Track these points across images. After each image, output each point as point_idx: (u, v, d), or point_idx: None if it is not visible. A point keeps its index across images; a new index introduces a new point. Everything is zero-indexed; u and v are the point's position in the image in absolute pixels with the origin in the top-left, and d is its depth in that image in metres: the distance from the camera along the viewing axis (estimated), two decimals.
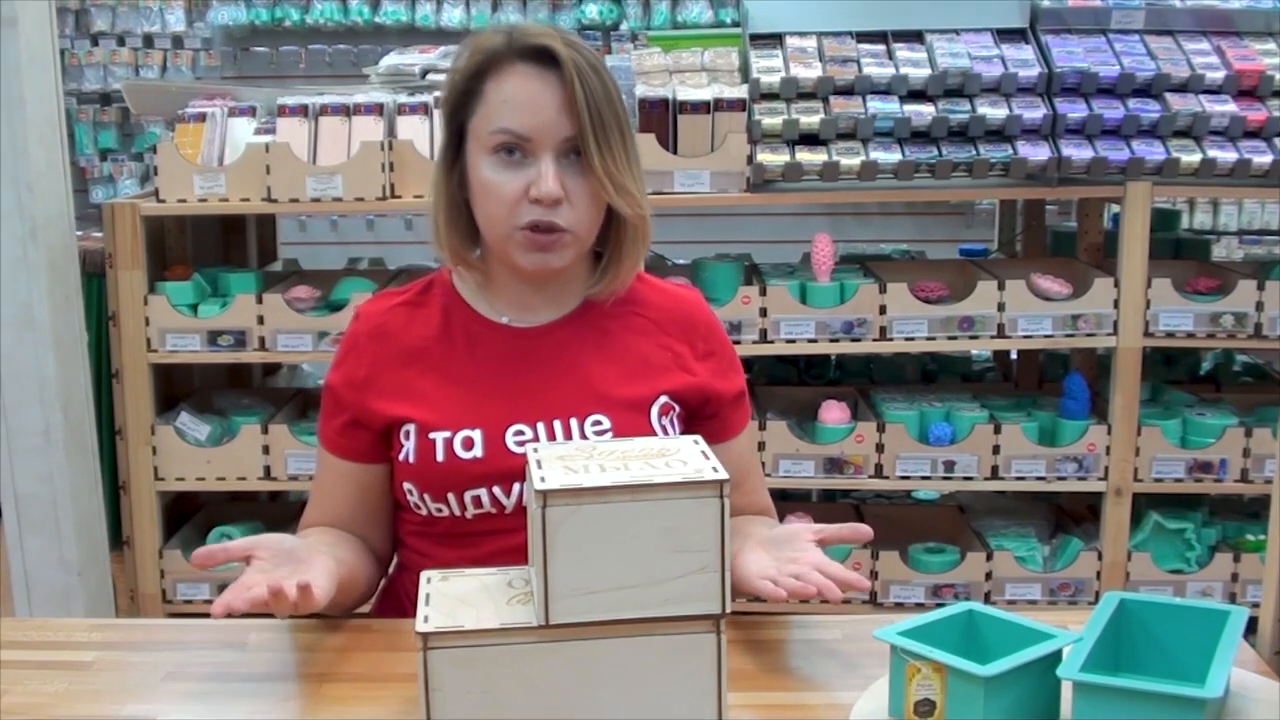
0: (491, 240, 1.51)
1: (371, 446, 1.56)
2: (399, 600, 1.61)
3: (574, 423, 1.51)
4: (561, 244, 1.48)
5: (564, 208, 1.46)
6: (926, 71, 2.79)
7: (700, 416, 1.60)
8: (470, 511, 1.50)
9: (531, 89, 1.45)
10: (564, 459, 1.21)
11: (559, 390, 1.53)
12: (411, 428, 1.52)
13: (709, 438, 1.59)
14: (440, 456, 1.49)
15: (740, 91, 2.80)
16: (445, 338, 1.56)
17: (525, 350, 1.55)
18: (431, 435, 1.50)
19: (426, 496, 1.51)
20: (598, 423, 1.51)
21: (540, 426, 1.51)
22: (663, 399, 1.55)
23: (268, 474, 2.84)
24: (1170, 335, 2.76)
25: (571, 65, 1.44)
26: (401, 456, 1.53)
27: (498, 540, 1.48)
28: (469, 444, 1.49)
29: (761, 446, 2.78)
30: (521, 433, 1.50)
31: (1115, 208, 2.87)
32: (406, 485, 1.53)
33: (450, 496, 1.49)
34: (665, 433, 1.54)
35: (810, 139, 2.75)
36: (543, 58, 1.46)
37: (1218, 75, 2.77)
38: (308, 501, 1.63)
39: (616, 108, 1.48)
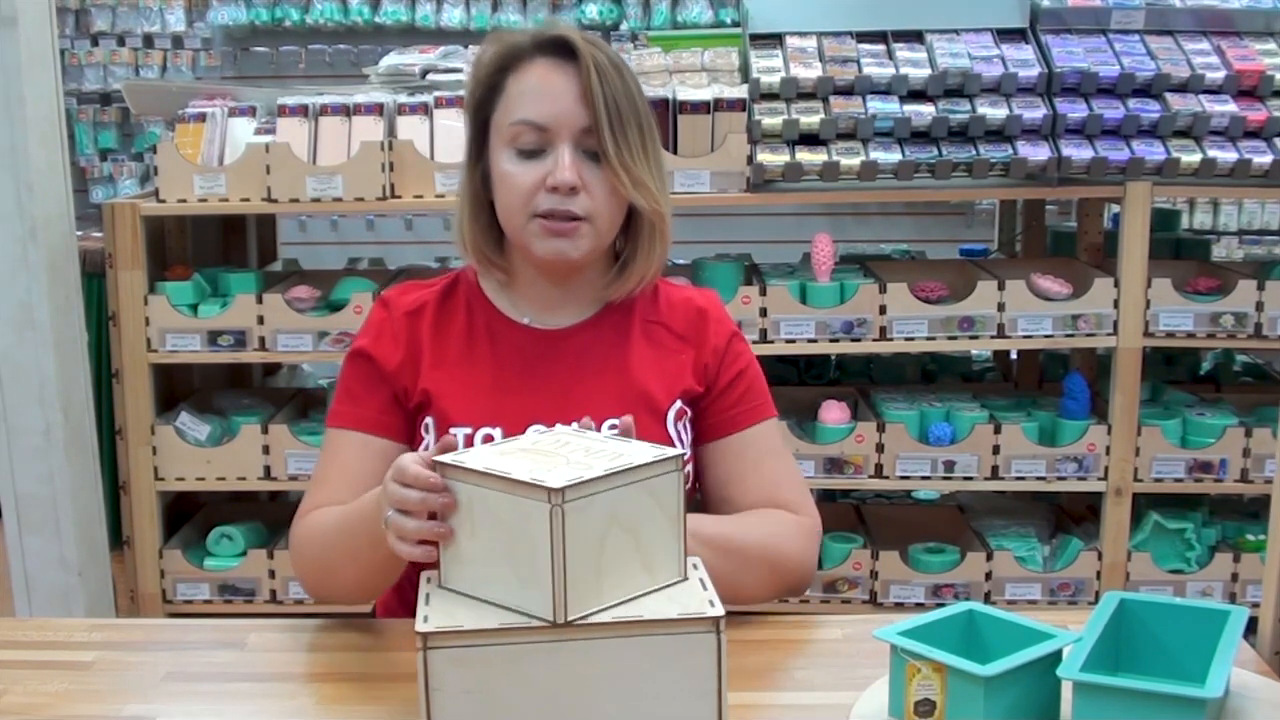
0: (511, 232, 1.52)
1: (406, 428, 1.55)
2: (405, 596, 1.61)
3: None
4: (578, 233, 1.49)
5: (580, 197, 1.47)
6: (926, 71, 2.79)
7: (701, 408, 1.59)
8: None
9: (550, 80, 1.48)
10: (525, 453, 1.24)
11: (579, 392, 1.54)
12: (431, 420, 1.52)
13: (712, 433, 1.59)
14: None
15: (740, 91, 2.80)
16: (469, 334, 1.57)
17: (547, 351, 1.56)
18: (453, 430, 1.50)
19: None
20: (614, 426, 1.51)
21: (559, 427, 1.50)
22: (678, 404, 1.56)
23: (268, 474, 2.84)
24: (1170, 335, 2.76)
25: (589, 57, 1.46)
26: (422, 448, 1.52)
27: None
28: (489, 441, 1.49)
29: None
30: (540, 433, 1.50)
31: (1115, 208, 2.87)
32: None
33: None
34: (679, 437, 1.55)
35: (810, 139, 2.75)
36: (562, 51, 1.49)
37: (1218, 75, 2.77)
38: (310, 490, 1.56)
39: (636, 105, 1.50)
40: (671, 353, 1.58)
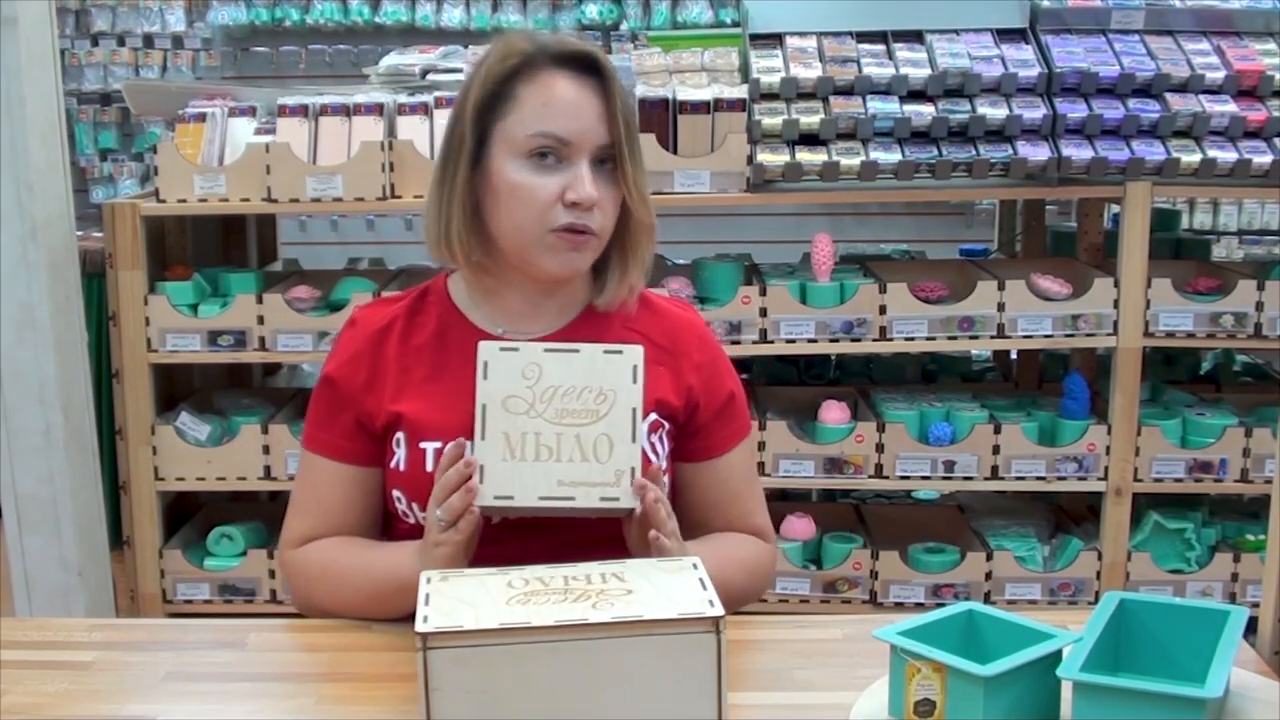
0: (513, 243, 1.50)
1: (374, 451, 1.55)
2: None
3: None
4: (589, 246, 1.50)
5: (595, 212, 1.48)
6: (926, 71, 2.79)
7: (688, 431, 1.58)
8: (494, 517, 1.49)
9: (573, 95, 1.47)
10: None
11: None
12: (402, 435, 1.52)
13: (696, 455, 1.58)
14: (430, 466, 1.48)
15: (740, 91, 2.80)
16: (439, 346, 1.55)
17: None
18: (422, 444, 1.49)
19: (415, 505, 1.51)
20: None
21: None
22: (652, 416, 1.53)
23: (268, 474, 2.84)
24: (1170, 335, 2.76)
25: (612, 77, 1.48)
26: (393, 464, 1.53)
27: (484, 549, 1.46)
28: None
29: (761, 446, 2.78)
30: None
31: (1115, 208, 2.87)
32: (395, 493, 1.53)
33: None
34: (654, 450, 1.53)
35: (810, 139, 2.75)
36: (580, 65, 1.48)
37: (1218, 75, 2.77)
38: (292, 514, 1.60)
39: (637, 119, 1.54)
40: (650, 363, 1.53)
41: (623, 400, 1.38)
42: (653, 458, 1.52)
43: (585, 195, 1.45)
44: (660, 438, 1.54)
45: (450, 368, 1.53)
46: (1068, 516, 3.08)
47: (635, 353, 1.40)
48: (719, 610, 1.18)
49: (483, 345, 1.39)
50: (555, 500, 1.35)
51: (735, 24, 4.60)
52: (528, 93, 1.48)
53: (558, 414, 1.37)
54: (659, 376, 1.55)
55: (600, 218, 1.48)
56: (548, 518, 1.45)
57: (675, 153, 2.77)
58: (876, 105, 2.76)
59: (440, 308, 1.59)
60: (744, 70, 2.95)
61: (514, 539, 1.48)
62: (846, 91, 2.80)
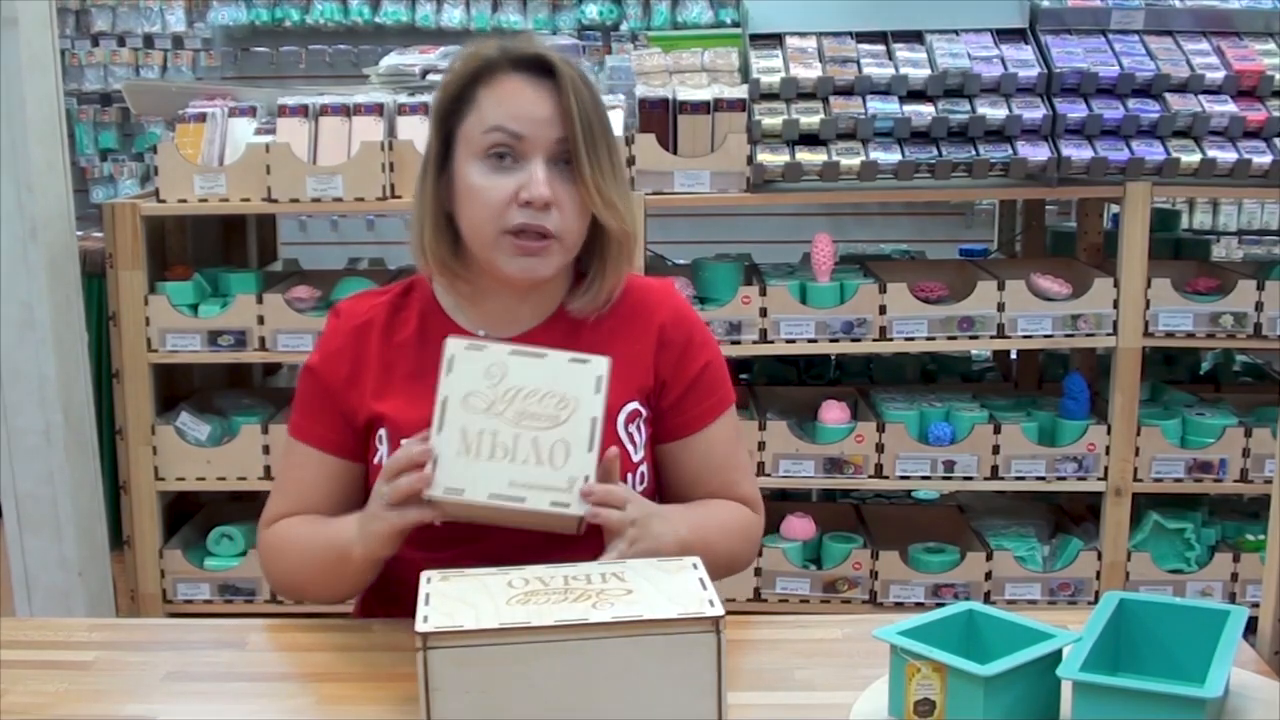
0: (477, 247, 1.50)
1: (355, 444, 1.56)
2: (368, 602, 1.62)
3: None
4: (548, 251, 1.48)
5: (553, 212, 1.46)
6: (926, 72, 2.79)
7: (663, 407, 1.57)
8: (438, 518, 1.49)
9: (526, 94, 1.47)
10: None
11: None
12: (384, 433, 1.52)
13: (676, 433, 1.58)
14: None
15: (740, 91, 2.80)
16: (422, 344, 1.55)
17: None
18: (404, 440, 1.49)
19: None
20: None
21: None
22: (630, 406, 1.54)
23: (268, 474, 2.84)
24: (1170, 335, 2.76)
25: (567, 76, 1.46)
26: (376, 459, 1.53)
27: (465, 546, 1.46)
28: None
29: (761, 446, 2.78)
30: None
31: (1115, 208, 2.87)
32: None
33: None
34: (632, 440, 1.53)
35: (810, 139, 2.75)
36: (537, 67, 1.48)
37: (1217, 75, 2.77)
38: (273, 496, 1.61)
39: (606, 123, 1.50)
40: (625, 350, 1.54)
41: (584, 409, 1.36)
42: (630, 449, 1.52)
43: (537, 193, 1.44)
44: (638, 426, 1.55)
45: (433, 366, 1.51)
46: (1068, 516, 3.08)
47: (601, 363, 1.39)
48: (719, 610, 1.18)
49: (449, 341, 1.39)
50: (506, 500, 1.33)
51: (735, 24, 4.61)
52: (485, 95, 1.48)
53: (517, 415, 1.36)
54: (631, 361, 1.54)
55: (559, 218, 1.47)
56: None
57: (675, 153, 2.77)
58: (876, 105, 2.76)
59: (424, 305, 1.59)
60: (744, 70, 2.95)
61: (497, 534, 1.48)
62: (846, 91, 2.80)
